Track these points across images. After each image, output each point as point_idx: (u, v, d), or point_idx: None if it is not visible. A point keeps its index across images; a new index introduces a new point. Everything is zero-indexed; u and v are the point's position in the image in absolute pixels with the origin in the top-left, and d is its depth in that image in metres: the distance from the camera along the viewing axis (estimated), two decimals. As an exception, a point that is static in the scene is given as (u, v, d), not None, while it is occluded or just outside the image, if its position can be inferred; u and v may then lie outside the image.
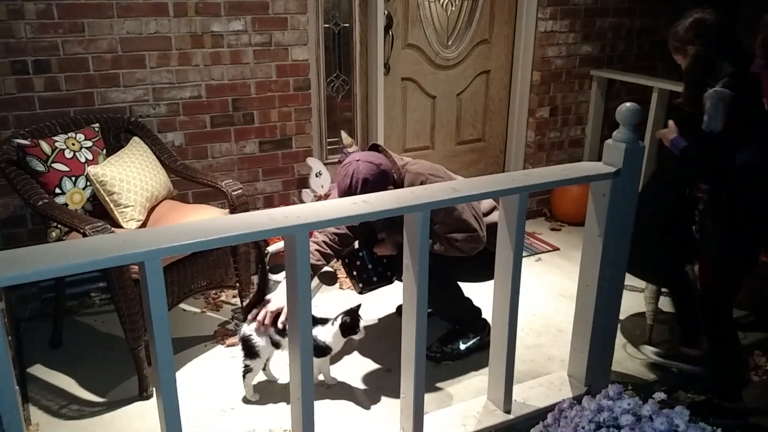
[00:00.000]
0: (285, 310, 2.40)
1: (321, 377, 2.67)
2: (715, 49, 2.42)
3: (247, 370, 2.53)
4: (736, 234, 2.44)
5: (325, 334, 2.53)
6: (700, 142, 2.39)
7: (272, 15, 3.35)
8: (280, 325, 2.45)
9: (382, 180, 2.55)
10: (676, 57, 2.57)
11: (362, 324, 2.56)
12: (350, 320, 2.53)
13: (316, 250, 2.66)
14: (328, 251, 2.70)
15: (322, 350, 2.54)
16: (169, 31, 3.15)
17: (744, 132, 2.35)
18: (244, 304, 2.63)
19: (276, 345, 2.51)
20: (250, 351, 2.49)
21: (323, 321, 2.57)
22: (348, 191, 2.50)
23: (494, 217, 2.65)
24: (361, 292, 2.83)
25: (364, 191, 2.43)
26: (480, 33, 4.18)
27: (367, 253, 2.74)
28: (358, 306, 2.57)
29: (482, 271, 2.53)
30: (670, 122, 2.58)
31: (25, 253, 1.53)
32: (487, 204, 2.75)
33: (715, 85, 2.34)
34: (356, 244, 2.83)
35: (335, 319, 2.56)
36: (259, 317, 2.47)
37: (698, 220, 2.55)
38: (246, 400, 2.58)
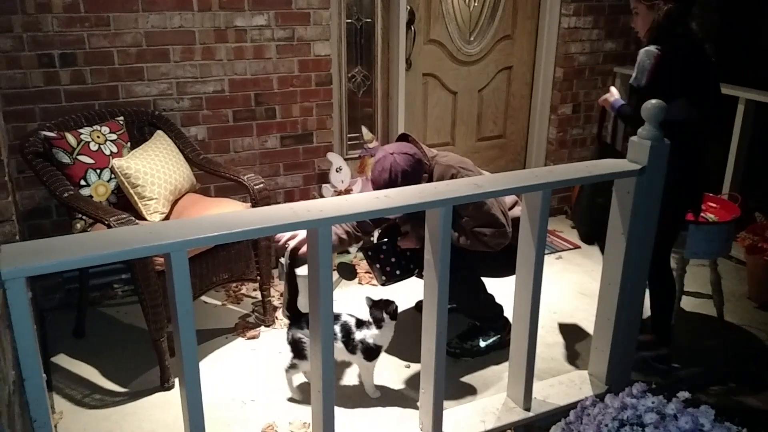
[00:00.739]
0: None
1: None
2: (685, 8, 2.54)
3: (291, 366, 2.51)
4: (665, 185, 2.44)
5: (373, 335, 2.49)
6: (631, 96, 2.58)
7: (295, 10, 3.36)
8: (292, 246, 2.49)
9: (419, 170, 2.56)
10: (639, 6, 2.60)
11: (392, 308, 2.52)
12: (393, 305, 2.50)
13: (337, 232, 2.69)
14: (350, 233, 2.73)
15: (373, 352, 2.51)
16: (193, 25, 3.17)
17: (670, 89, 2.45)
18: (284, 304, 2.58)
19: (349, 348, 2.49)
20: (299, 353, 2.47)
21: (368, 323, 2.50)
22: (389, 184, 2.46)
23: (516, 211, 2.64)
24: (383, 284, 2.83)
25: (404, 183, 2.43)
26: (502, 29, 4.16)
27: (390, 246, 2.73)
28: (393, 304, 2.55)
29: (505, 266, 2.53)
30: (612, 87, 2.77)
31: (53, 243, 1.56)
32: (509, 199, 2.74)
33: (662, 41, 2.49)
34: (377, 237, 2.83)
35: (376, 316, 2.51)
36: (280, 237, 2.51)
37: None
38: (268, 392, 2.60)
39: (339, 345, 2.46)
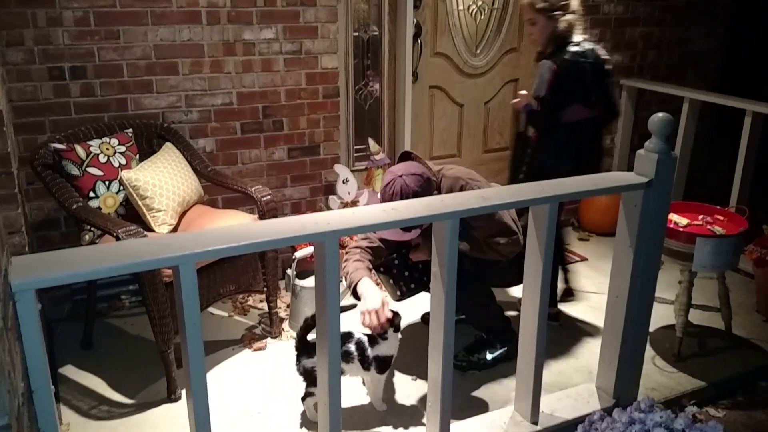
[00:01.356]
0: (382, 305, 2.43)
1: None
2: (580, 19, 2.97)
3: (307, 395, 2.48)
4: (555, 173, 2.53)
5: (385, 348, 2.48)
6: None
7: (303, 24, 3.39)
8: (389, 315, 2.45)
9: (428, 187, 2.55)
10: (537, 17, 2.91)
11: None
12: (398, 318, 2.50)
13: (357, 260, 2.66)
14: (368, 264, 2.70)
15: (385, 363, 2.50)
16: (202, 38, 3.20)
17: (566, 97, 2.90)
18: (296, 337, 2.51)
19: (364, 365, 2.48)
20: (312, 382, 2.39)
21: (379, 337, 2.49)
22: None
23: (524, 220, 2.65)
24: (399, 300, 2.81)
25: None
26: (509, 41, 4.17)
27: (401, 260, 2.73)
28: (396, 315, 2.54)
29: (515, 274, 2.52)
30: (523, 92, 3.06)
31: (62, 255, 1.56)
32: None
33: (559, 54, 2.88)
34: (389, 253, 2.82)
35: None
36: (374, 323, 2.41)
37: (528, 160, 3.12)
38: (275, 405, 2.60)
39: (356, 364, 2.45)
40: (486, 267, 2.61)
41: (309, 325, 2.42)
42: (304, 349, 2.44)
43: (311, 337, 2.41)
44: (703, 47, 4.63)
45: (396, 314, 2.51)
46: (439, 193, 2.60)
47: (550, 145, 3.03)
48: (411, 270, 2.72)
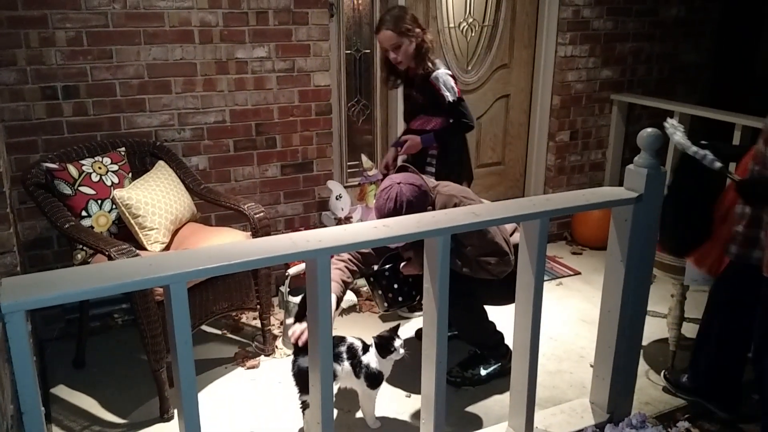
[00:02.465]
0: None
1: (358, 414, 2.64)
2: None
3: (305, 407, 2.40)
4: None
5: (376, 361, 2.47)
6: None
7: (295, 42, 3.41)
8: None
9: (424, 200, 2.55)
10: (402, 40, 3.10)
11: (398, 343, 2.47)
12: (383, 340, 2.47)
13: (345, 267, 2.67)
14: (354, 268, 2.71)
15: (375, 378, 2.48)
16: (195, 57, 3.22)
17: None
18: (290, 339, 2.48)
19: (356, 372, 2.46)
20: (305, 386, 2.24)
21: (369, 346, 2.50)
22: (393, 214, 2.46)
23: (516, 238, 2.66)
24: (386, 311, 2.82)
25: (409, 212, 2.43)
26: (500, 58, 4.21)
27: (392, 272, 2.73)
28: (397, 326, 2.53)
29: (505, 294, 2.53)
30: (412, 137, 3.24)
31: (52, 276, 1.56)
32: (509, 225, 2.75)
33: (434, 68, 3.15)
34: (381, 263, 2.83)
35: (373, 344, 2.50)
36: (295, 335, 2.39)
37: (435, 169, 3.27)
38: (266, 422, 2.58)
39: (347, 367, 2.43)
40: (478, 285, 2.61)
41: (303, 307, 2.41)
42: (302, 348, 2.38)
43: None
44: (692, 62, 4.67)
45: (387, 336, 2.49)
46: (433, 209, 2.61)
47: (454, 149, 3.29)
48: (401, 283, 2.73)
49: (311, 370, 1.96)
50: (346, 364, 2.44)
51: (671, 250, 2.78)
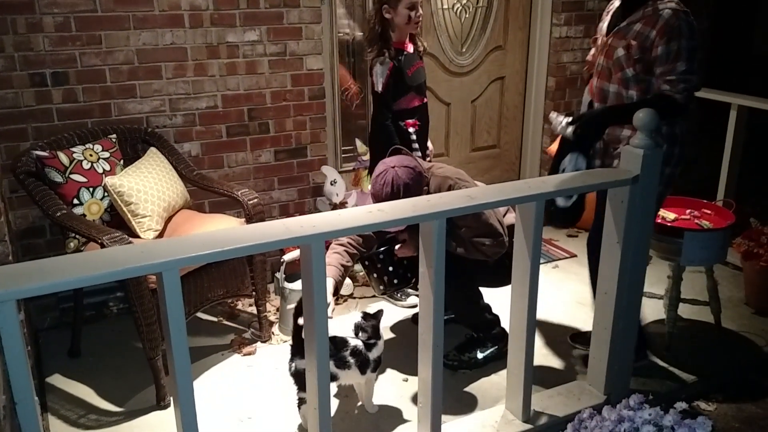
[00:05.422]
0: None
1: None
2: None
3: (302, 402, 2.40)
4: None
5: (378, 349, 2.45)
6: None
7: (287, 25, 3.37)
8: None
9: (420, 182, 2.55)
10: (388, 14, 2.97)
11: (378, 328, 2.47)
12: (365, 323, 2.45)
13: (344, 251, 2.66)
14: (354, 251, 2.70)
15: (379, 363, 2.47)
16: (185, 42, 3.17)
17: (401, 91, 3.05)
18: (291, 333, 2.45)
19: (333, 378, 2.40)
20: (303, 385, 2.28)
21: (370, 340, 2.46)
22: (390, 198, 2.44)
23: (510, 219, 2.65)
24: (382, 294, 2.81)
25: (407, 196, 2.41)
26: (494, 39, 4.17)
27: (387, 255, 2.72)
28: (379, 311, 2.51)
29: (500, 275, 2.53)
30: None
31: (44, 264, 1.54)
32: (502, 207, 2.74)
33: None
34: (377, 246, 2.82)
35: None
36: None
37: None
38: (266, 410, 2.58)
39: (354, 369, 2.40)
40: (472, 266, 2.61)
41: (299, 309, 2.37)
42: (299, 348, 2.32)
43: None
44: (688, 41, 4.64)
45: (379, 311, 2.49)
46: (428, 191, 2.60)
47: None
48: (396, 266, 2.72)
49: (307, 358, 1.95)
50: (354, 368, 2.40)
51: (564, 223, 2.85)
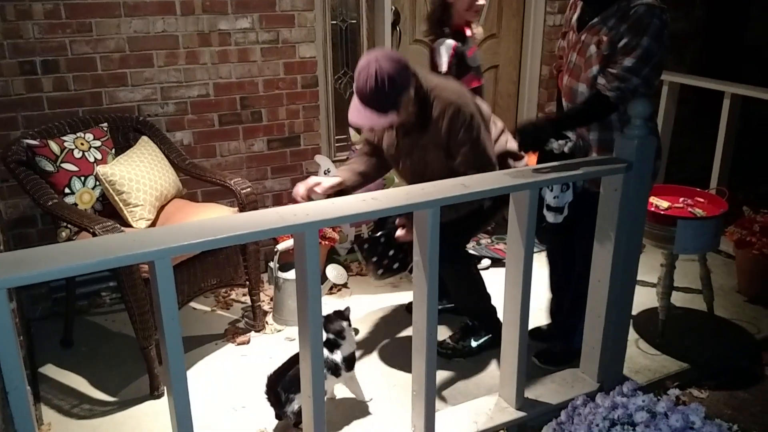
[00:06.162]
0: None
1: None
2: None
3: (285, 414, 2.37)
4: None
5: (348, 348, 2.45)
6: None
7: (279, 12, 3.34)
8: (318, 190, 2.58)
9: (407, 77, 2.35)
10: None
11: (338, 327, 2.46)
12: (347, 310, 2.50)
13: (361, 159, 2.75)
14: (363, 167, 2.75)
15: (351, 361, 2.46)
16: (177, 29, 3.14)
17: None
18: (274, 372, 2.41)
19: (335, 373, 2.42)
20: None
21: (336, 342, 2.46)
22: (375, 94, 2.29)
23: (502, 144, 2.68)
24: (380, 278, 2.76)
25: (392, 92, 2.28)
26: (488, 27, 4.15)
27: (387, 240, 2.68)
28: (346, 309, 2.52)
29: (494, 213, 2.62)
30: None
31: (34, 253, 1.53)
32: (495, 131, 2.72)
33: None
34: (372, 230, 2.80)
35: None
36: (297, 189, 2.60)
37: None
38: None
39: (329, 378, 2.38)
40: (459, 235, 2.60)
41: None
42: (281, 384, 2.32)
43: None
44: (682, 30, 4.63)
45: (347, 308, 2.50)
46: (430, 112, 2.46)
47: None
48: (396, 250, 2.69)
49: (301, 346, 1.95)
50: (328, 377, 2.39)
51: (553, 242, 2.85)
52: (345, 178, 2.64)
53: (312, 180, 2.62)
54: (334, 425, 2.42)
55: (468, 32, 3.18)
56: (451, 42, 3.04)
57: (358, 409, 2.54)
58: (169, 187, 2.90)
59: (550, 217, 2.40)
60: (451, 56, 3.04)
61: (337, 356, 2.42)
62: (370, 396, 2.58)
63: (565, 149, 2.32)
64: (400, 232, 2.65)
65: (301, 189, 2.61)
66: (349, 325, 2.49)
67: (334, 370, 2.42)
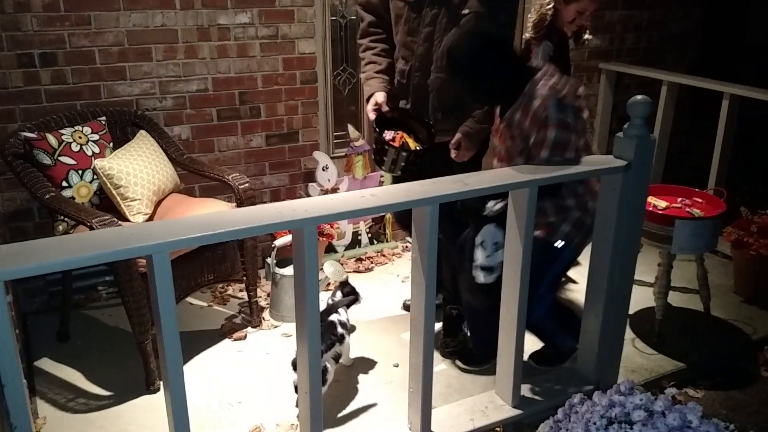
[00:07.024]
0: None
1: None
2: None
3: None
4: None
5: (344, 315, 2.64)
6: None
7: (279, 8, 3.33)
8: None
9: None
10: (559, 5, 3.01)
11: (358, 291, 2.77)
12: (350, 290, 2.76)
13: (378, 54, 2.77)
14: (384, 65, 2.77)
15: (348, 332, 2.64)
16: (176, 23, 3.13)
17: None
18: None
19: (336, 359, 2.52)
20: None
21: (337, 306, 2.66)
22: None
23: None
24: (390, 171, 2.66)
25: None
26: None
27: (422, 155, 2.61)
28: (346, 279, 2.78)
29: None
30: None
31: (31, 246, 1.53)
32: None
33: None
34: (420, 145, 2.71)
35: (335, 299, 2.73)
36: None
37: None
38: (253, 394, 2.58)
39: (332, 366, 2.47)
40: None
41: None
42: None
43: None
44: (681, 30, 4.64)
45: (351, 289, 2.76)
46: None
47: None
48: (418, 160, 2.59)
49: (299, 342, 1.95)
50: (345, 343, 2.58)
51: (484, 301, 2.80)
52: (381, 89, 2.71)
53: (371, 106, 2.70)
54: (331, 422, 2.41)
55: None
56: (550, 45, 3.01)
57: (354, 405, 2.54)
58: (166, 182, 2.90)
59: (481, 277, 2.41)
60: (549, 57, 2.95)
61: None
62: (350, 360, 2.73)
63: (496, 208, 2.36)
64: (453, 153, 2.69)
65: (371, 115, 2.70)
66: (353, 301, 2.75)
67: (351, 330, 2.67)
